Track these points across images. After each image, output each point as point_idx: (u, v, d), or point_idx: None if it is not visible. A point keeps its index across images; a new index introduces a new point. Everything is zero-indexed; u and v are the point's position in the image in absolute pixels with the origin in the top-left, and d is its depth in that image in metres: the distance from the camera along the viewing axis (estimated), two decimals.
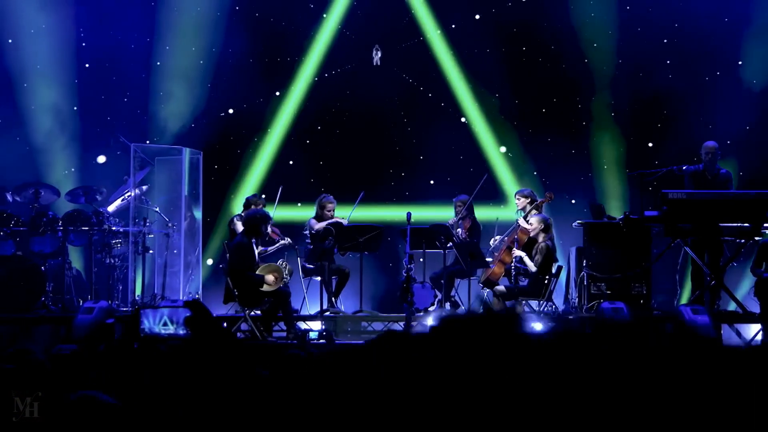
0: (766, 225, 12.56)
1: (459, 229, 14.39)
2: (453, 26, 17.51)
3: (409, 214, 13.66)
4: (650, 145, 16.69)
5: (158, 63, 17.25)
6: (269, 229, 13.87)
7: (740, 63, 16.43)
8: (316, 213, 14.54)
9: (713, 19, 16.30)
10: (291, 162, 17.24)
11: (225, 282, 13.29)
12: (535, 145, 16.87)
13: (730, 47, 16.52)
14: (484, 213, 15.02)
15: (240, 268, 12.94)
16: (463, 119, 17.29)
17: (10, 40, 16.63)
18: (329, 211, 14.43)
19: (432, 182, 16.77)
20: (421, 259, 14.81)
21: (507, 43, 17.19)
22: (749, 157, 15.94)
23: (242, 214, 14.11)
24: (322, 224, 14.35)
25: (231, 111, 17.23)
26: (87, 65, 16.92)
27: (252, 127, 17.45)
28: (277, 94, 17.42)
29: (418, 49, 17.43)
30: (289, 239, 14.35)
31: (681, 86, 16.53)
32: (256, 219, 13.15)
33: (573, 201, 15.68)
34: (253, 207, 14.18)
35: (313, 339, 12.21)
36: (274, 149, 17.49)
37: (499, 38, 17.14)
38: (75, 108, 16.98)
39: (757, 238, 12.70)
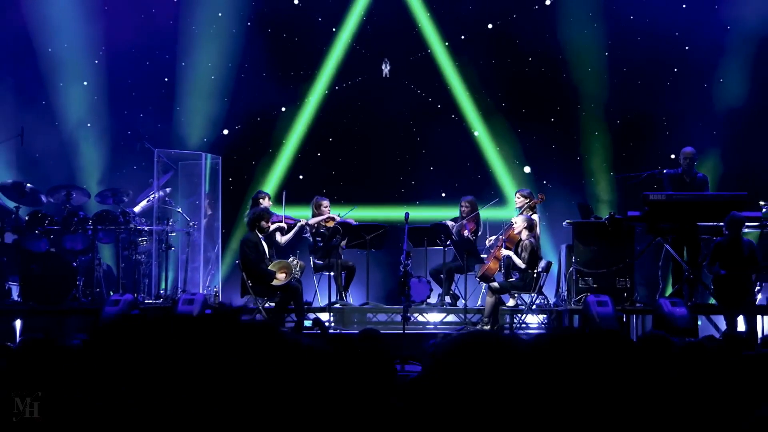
0: None
1: (465, 231, 14.80)
2: (462, 37, 17.88)
3: (407, 214, 14.20)
4: (631, 144, 17.01)
5: (182, 68, 17.50)
6: (284, 223, 14.61)
7: (721, 80, 16.76)
8: (313, 213, 15.13)
9: (694, 35, 16.68)
10: (308, 167, 17.61)
11: (241, 277, 13.92)
12: (534, 150, 17.22)
13: (709, 63, 16.86)
14: (483, 213, 15.33)
15: (249, 261, 13.50)
16: (476, 132, 17.54)
17: (50, 49, 17.00)
18: (326, 208, 15.03)
19: (441, 188, 17.15)
20: (424, 256, 15.15)
21: (508, 56, 17.57)
22: (728, 159, 16.26)
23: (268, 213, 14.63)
24: (316, 219, 14.95)
25: (251, 121, 17.54)
26: (116, 74, 17.24)
27: (268, 135, 17.87)
28: (283, 110, 17.76)
29: (424, 62, 17.76)
30: (303, 220, 14.90)
31: (665, 98, 16.96)
32: (255, 216, 13.83)
33: (573, 202, 15.91)
34: (260, 202, 14.77)
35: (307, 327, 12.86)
36: (290, 155, 17.92)
37: (500, 51, 17.58)
38: (104, 114, 17.42)
39: (715, 238, 13.12)
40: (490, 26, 17.62)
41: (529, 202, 14.39)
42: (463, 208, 15.09)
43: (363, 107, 17.81)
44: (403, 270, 13.47)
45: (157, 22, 17.39)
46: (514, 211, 14.79)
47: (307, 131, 17.99)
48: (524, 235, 13.70)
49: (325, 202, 15.18)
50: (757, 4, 16.45)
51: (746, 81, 16.68)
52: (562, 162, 17.36)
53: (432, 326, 14.93)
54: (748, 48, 16.64)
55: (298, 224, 14.79)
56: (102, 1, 17.13)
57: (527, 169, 17.24)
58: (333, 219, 14.98)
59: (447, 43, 17.88)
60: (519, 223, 13.79)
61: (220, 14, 17.56)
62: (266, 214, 14.03)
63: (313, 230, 15.05)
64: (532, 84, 17.49)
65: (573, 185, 17.08)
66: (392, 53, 17.84)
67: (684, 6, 16.82)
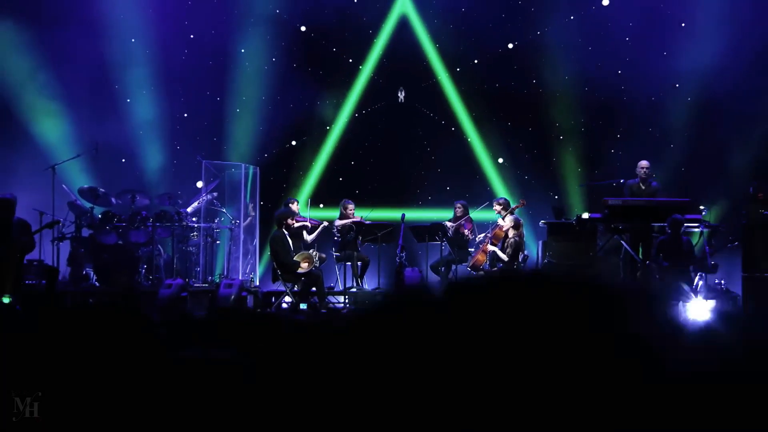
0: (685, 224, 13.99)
1: (465, 230, 15.82)
2: (476, 60, 18.68)
3: (403, 215, 15.48)
4: (599, 156, 17.83)
5: (230, 94, 18.35)
6: (308, 223, 15.51)
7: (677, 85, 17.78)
8: (340, 213, 16.17)
9: (656, 53, 17.74)
10: (340, 179, 18.53)
11: (272, 266, 14.93)
12: (520, 160, 18.34)
13: (671, 78, 17.83)
14: (476, 214, 16.31)
15: (277, 254, 14.44)
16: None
17: (121, 62, 17.74)
18: (350, 211, 16.09)
19: (445, 191, 18.07)
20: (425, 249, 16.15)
21: (497, 81, 18.51)
22: (677, 170, 17.18)
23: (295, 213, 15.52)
24: (342, 222, 15.99)
25: (293, 143, 18.62)
26: (174, 96, 18.09)
27: (302, 150, 18.83)
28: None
29: (434, 88, 18.77)
30: (326, 222, 15.76)
31: (627, 122, 18.09)
32: (280, 217, 14.74)
33: (549, 205, 16.68)
34: (289, 206, 15.75)
35: (303, 309, 14.00)
36: (320, 168, 18.90)
37: (496, 77, 18.56)
38: (164, 129, 18.22)
39: (659, 236, 14.13)
40: (476, 61, 18.59)
41: (507, 208, 15.30)
42: (457, 210, 16.09)
43: (382, 128, 18.78)
44: (398, 261, 14.79)
45: (211, 57, 18.25)
46: (497, 215, 15.49)
47: (335, 147, 18.90)
48: (511, 233, 14.73)
49: (351, 205, 16.11)
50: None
51: (689, 114, 17.64)
52: (542, 171, 18.20)
53: None
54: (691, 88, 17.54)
55: (322, 226, 15.51)
56: (164, 25, 17.86)
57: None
58: (362, 223, 15.95)
59: (456, 70, 18.74)
60: (507, 222, 14.81)
61: (270, 58, 18.36)
62: (290, 214, 14.84)
63: (335, 229, 16.09)
64: (519, 104, 18.36)
65: (551, 190, 18.03)
66: (406, 82, 18.70)
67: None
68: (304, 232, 15.46)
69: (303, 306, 14.16)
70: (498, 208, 15.53)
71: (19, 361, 3.37)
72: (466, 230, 15.89)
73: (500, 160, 18.57)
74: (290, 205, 15.86)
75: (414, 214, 17.44)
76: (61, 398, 3.18)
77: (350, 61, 18.89)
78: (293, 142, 18.62)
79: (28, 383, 3.22)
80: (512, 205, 15.50)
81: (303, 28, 18.48)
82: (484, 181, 18.61)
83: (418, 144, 18.80)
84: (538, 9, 18.16)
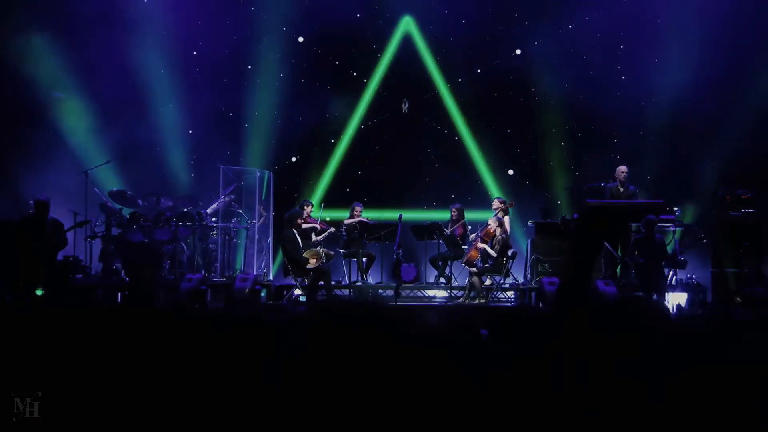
0: (659, 224, 14.56)
1: (456, 235, 16.25)
2: (460, 80, 19.21)
3: (400, 216, 15.83)
4: (584, 161, 18.22)
5: (247, 108, 18.84)
6: (318, 226, 15.80)
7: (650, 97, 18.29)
8: (350, 214, 16.73)
9: (637, 74, 18.37)
10: (347, 184, 18.87)
11: (283, 262, 15.23)
12: (516, 164, 18.81)
13: (647, 96, 18.45)
14: (471, 215, 16.88)
15: (287, 251, 14.78)
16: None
17: (146, 79, 17.99)
18: (357, 212, 16.64)
19: (445, 194, 18.52)
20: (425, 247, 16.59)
21: (495, 90, 18.99)
22: (653, 175, 17.65)
23: (305, 215, 15.64)
24: (349, 221, 16.52)
25: (300, 147, 19.02)
26: (194, 107, 18.34)
27: (313, 156, 19.31)
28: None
29: (435, 100, 19.29)
30: (333, 228, 16.05)
31: (612, 134, 18.65)
32: (290, 217, 14.97)
33: (538, 206, 17.17)
34: (304, 208, 15.86)
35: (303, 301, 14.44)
36: (329, 173, 19.35)
37: (493, 88, 19.04)
38: (185, 137, 18.65)
39: (636, 235, 14.64)
40: (479, 71, 19.14)
41: (503, 206, 15.89)
42: (453, 213, 16.57)
43: (387, 137, 19.21)
44: (395, 257, 15.20)
45: (228, 73, 18.70)
46: (491, 212, 16.00)
47: (343, 155, 19.37)
48: (498, 231, 15.27)
49: (359, 207, 16.66)
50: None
51: (664, 127, 18.16)
52: (533, 174, 18.64)
53: (427, 299, 16.20)
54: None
55: (329, 231, 15.83)
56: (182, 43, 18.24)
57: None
58: (366, 223, 16.39)
59: (455, 82, 19.24)
60: (492, 224, 15.41)
61: (281, 75, 18.69)
62: (299, 215, 15.02)
63: (343, 228, 16.49)
64: (515, 114, 18.89)
65: (539, 193, 18.41)
66: (409, 94, 19.11)
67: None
68: (313, 234, 15.75)
69: (303, 299, 14.63)
70: (498, 204, 16.04)
71: (19, 361, 3.25)
72: (456, 234, 16.49)
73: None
74: (305, 207, 16.02)
75: (416, 215, 17.81)
76: (61, 398, 3.08)
77: (354, 74, 19.28)
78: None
79: (29, 381, 3.12)
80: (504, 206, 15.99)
81: (300, 39, 19.04)
82: (481, 185, 19.01)
83: (421, 151, 19.16)
84: (532, 24, 18.64)
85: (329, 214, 17.70)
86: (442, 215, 17.60)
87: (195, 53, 18.75)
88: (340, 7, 18.40)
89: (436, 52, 19.46)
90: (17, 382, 3.17)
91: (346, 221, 16.74)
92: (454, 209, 16.74)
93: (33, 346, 3.28)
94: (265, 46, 18.81)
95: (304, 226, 15.43)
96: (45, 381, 3.05)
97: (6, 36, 17.47)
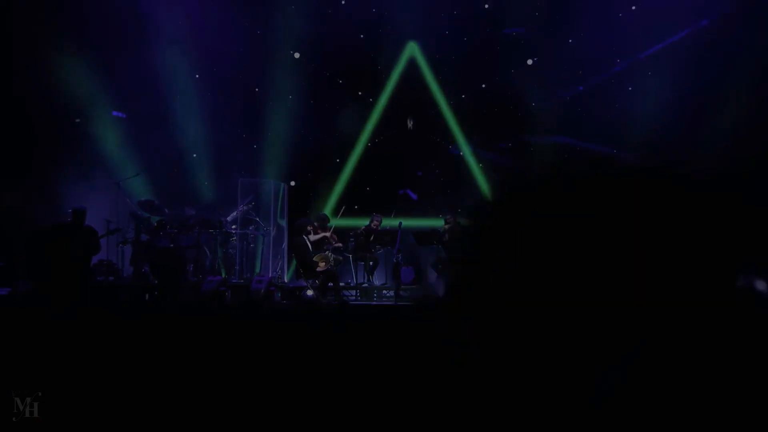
0: None
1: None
2: (463, 96, 19.91)
3: (400, 223, 16.45)
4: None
5: (264, 125, 19.24)
6: (330, 235, 16.07)
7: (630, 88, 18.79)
8: (369, 222, 17.14)
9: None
10: (356, 191, 19.38)
11: (295, 265, 15.82)
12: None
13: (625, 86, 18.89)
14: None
15: (299, 256, 15.33)
16: (460, 152, 19.41)
17: (169, 99, 18.44)
18: (375, 223, 17.13)
19: (445, 202, 18.99)
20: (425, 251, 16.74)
21: (496, 106, 19.55)
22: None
23: (315, 224, 16.04)
24: (362, 229, 17.06)
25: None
26: (214, 120, 18.83)
27: (325, 170, 19.79)
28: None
29: (438, 117, 19.87)
30: (340, 244, 16.40)
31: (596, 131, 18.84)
32: (300, 225, 15.52)
33: None
34: (323, 220, 16.25)
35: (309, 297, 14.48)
36: (340, 186, 19.96)
37: (490, 103, 19.63)
38: (206, 149, 19.00)
39: None
40: (483, 86, 19.72)
41: None
42: (447, 220, 16.94)
43: (395, 151, 19.69)
44: (395, 261, 15.87)
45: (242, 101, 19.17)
46: None
47: (354, 168, 19.96)
48: None
49: (376, 221, 17.10)
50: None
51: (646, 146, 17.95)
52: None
53: None
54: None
55: (336, 245, 16.12)
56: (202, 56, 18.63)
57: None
58: (370, 228, 16.87)
59: (458, 98, 19.97)
60: None
61: (290, 96, 19.23)
62: (308, 223, 15.47)
63: (353, 234, 17.06)
64: (513, 125, 19.48)
65: None
66: (414, 111, 19.74)
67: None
68: (325, 247, 16.08)
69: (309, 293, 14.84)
70: None
71: (20, 360, 3.17)
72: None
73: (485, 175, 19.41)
74: (325, 223, 16.42)
75: (417, 223, 18.30)
76: (61, 398, 3.02)
77: (359, 93, 19.94)
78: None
79: (30, 380, 3.03)
80: None
81: (297, 55, 19.35)
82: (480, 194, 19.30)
83: (425, 163, 19.87)
84: (527, 41, 19.27)
85: (342, 222, 17.96)
86: (441, 223, 17.87)
87: (215, 70, 19.12)
88: (347, 32, 18.92)
89: (438, 71, 19.84)
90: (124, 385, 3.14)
91: (361, 229, 17.16)
92: (448, 217, 17.19)
93: (131, 350, 3.36)
94: (278, 70, 19.34)
95: (313, 238, 15.70)
96: (155, 383, 3.12)
97: (44, 56, 17.69)
